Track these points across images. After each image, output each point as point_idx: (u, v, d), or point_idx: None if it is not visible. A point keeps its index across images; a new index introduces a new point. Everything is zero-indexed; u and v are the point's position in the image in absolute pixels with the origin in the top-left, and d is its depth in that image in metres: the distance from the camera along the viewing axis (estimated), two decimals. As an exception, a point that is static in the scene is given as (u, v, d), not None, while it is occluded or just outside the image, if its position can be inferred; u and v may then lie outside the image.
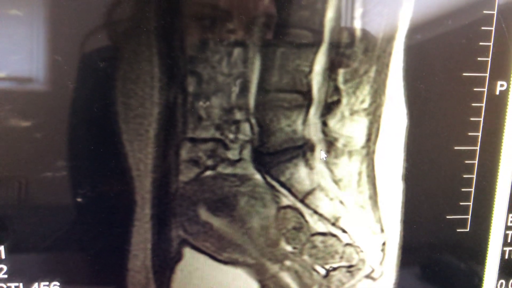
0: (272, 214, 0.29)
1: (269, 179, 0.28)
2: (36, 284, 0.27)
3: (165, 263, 0.28)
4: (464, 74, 0.29)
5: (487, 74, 0.29)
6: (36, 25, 0.25)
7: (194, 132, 0.27)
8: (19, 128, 0.26)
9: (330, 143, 0.28)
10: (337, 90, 0.28)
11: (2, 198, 0.26)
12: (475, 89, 0.29)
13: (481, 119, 0.29)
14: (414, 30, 0.28)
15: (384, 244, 0.30)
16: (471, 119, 0.29)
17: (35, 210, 0.27)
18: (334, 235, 0.30)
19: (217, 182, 0.28)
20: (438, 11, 0.28)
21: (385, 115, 0.29)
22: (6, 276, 0.27)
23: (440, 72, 0.28)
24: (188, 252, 0.28)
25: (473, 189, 0.30)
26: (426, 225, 0.30)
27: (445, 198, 0.30)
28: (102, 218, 0.27)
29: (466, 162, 0.30)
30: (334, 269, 0.30)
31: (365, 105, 0.28)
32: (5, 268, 0.27)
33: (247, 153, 0.28)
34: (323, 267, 0.30)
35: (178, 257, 0.28)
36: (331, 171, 0.29)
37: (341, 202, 0.29)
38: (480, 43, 0.28)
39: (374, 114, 0.29)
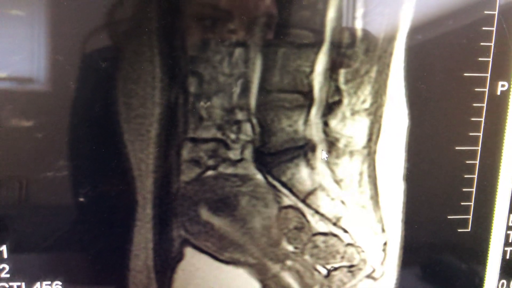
0: (273, 214, 0.29)
1: (270, 179, 0.28)
2: (38, 284, 0.28)
3: (166, 263, 0.28)
4: (465, 74, 0.29)
5: (488, 74, 0.29)
6: (37, 25, 0.25)
7: (195, 132, 0.27)
8: (20, 128, 0.26)
9: (331, 143, 0.28)
10: (338, 90, 0.28)
11: (3, 198, 0.26)
12: (476, 89, 0.29)
13: (482, 119, 0.29)
14: (415, 30, 0.28)
15: (385, 244, 0.30)
16: (472, 119, 0.29)
17: (37, 210, 0.27)
18: (335, 235, 0.30)
19: (219, 182, 0.28)
20: (439, 11, 0.28)
21: (386, 115, 0.29)
22: (8, 275, 0.27)
23: (441, 72, 0.28)
24: (189, 252, 0.28)
25: (474, 189, 0.30)
26: (427, 225, 0.30)
27: (446, 198, 0.30)
28: (103, 218, 0.27)
29: (467, 162, 0.30)
30: (335, 269, 0.30)
31: (366, 105, 0.28)
32: (7, 267, 0.27)
33: (248, 153, 0.28)
34: (325, 267, 0.30)
35: (180, 257, 0.28)
36: (332, 171, 0.29)
37: (342, 202, 0.29)
38: (481, 43, 0.28)
39: (375, 114, 0.29)
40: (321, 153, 0.28)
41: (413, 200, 0.30)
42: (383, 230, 0.30)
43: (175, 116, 0.27)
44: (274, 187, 0.28)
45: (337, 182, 0.29)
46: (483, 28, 0.28)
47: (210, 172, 0.28)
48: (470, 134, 0.29)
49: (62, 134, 0.26)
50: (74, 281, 0.28)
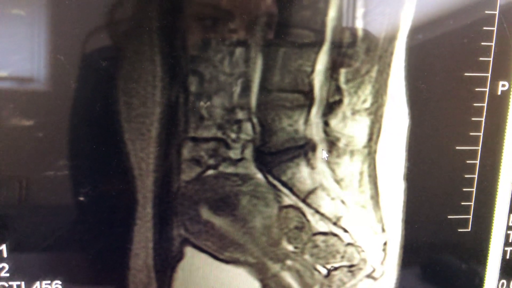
0: (273, 214, 0.29)
1: (270, 178, 0.28)
2: (37, 283, 0.27)
3: (166, 262, 0.28)
4: (465, 74, 0.29)
5: (489, 74, 0.29)
6: (37, 25, 0.25)
7: (196, 131, 0.27)
8: (21, 127, 0.26)
9: (331, 143, 0.28)
10: (338, 89, 0.28)
11: (4, 197, 0.26)
12: (476, 89, 0.29)
13: (483, 119, 0.29)
14: (415, 30, 0.28)
15: (385, 243, 0.30)
16: (473, 119, 0.29)
17: (37, 209, 0.27)
18: (335, 235, 0.30)
19: (219, 182, 0.28)
20: (439, 11, 0.28)
21: (387, 114, 0.29)
22: (8, 274, 0.27)
23: (442, 72, 0.28)
24: (189, 251, 0.28)
25: (474, 189, 0.30)
26: (428, 225, 0.30)
27: (447, 198, 0.30)
28: (103, 217, 0.27)
29: (468, 162, 0.30)
30: (336, 268, 0.30)
31: (367, 104, 0.28)
32: (7, 266, 0.27)
33: (249, 152, 0.28)
34: (325, 267, 0.30)
35: (180, 256, 0.28)
36: (332, 170, 0.29)
37: (342, 201, 0.29)
38: (482, 43, 0.28)
39: (375, 113, 0.29)
40: (321, 153, 0.28)
41: (414, 199, 0.30)
42: (383, 230, 0.30)
43: (176, 115, 0.27)
44: (274, 186, 0.28)
45: (338, 181, 0.29)
46: (484, 28, 0.28)
47: (210, 172, 0.28)
48: (471, 134, 0.29)
49: (62, 133, 0.26)
50: (74, 280, 0.28)
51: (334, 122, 0.28)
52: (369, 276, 0.31)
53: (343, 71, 0.28)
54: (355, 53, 0.27)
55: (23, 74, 0.25)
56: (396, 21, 0.27)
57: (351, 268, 0.30)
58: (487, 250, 0.31)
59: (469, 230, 0.31)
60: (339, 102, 0.28)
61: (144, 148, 0.27)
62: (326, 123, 0.28)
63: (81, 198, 0.27)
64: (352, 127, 0.28)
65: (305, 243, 0.29)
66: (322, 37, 0.27)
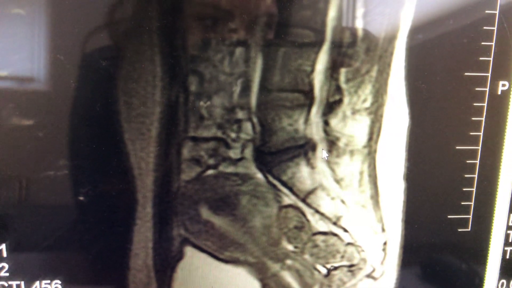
0: (273, 213, 0.29)
1: (270, 178, 0.28)
2: (37, 283, 0.27)
3: (166, 262, 0.28)
4: (465, 73, 0.29)
5: (489, 74, 0.29)
6: (38, 24, 0.25)
7: (196, 131, 0.27)
8: (21, 127, 0.26)
9: (331, 143, 0.28)
10: (339, 89, 0.28)
11: (3, 197, 0.26)
12: (476, 89, 0.29)
13: (483, 119, 0.29)
14: (416, 30, 0.28)
15: (385, 243, 0.30)
16: (473, 118, 0.29)
17: (37, 209, 0.27)
18: (335, 235, 0.30)
19: (219, 181, 0.28)
20: (440, 10, 0.28)
21: (387, 114, 0.29)
22: (7, 274, 0.27)
23: (442, 71, 0.28)
24: (189, 251, 0.28)
25: (474, 189, 0.30)
26: (428, 225, 0.30)
27: (447, 198, 0.30)
28: (103, 217, 0.27)
29: (468, 161, 0.30)
30: (335, 268, 0.30)
31: (367, 104, 0.28)
32: (6, 266, 0.27)
33: (248, 152, 0.28)
34: (324, 266, 0.30)
35: (180, 256, 0.28)
36: (332, 170, 0.29)
37: (342, 201, 0.29)
38: (482, 43, 0.28)
39: (375, 113, 0.29)
40: (321, 152, 0.28)
41: (414, 199, 0.30)
42: (383, 230, 0.30)
43: (176, 115, 0.27)
44: (274, 186, 0.28)
45: (338, 181, 0.29)
46: (484, 28, 0.28)
47: (210, 171, 0.28)
48: (471, 133, 0.29)
49: (62, 133, 0.26)
50: (74, 280, 0.28)
51: (334, 122, 0.28)
52: (369, 275, 0.31)
53: (343, 71, 0.28)
54: (355, 52, 0.27)
55: (23, 74, 0.25)
56: (396, 21, 0.27)
57: (351, 268, 0.30)
58: (487, 250, 0.31)
59: (469, 230, 0.31)
60: (339, 101, 0.28)
61: (144, 147, 0.27)
62: (326, 123, 0.28)
63: (81, 198, 0.27)
64: (352, 126, 0.28)
65: (305, 243, 0.29)
66: (322, 37, 0.27)
